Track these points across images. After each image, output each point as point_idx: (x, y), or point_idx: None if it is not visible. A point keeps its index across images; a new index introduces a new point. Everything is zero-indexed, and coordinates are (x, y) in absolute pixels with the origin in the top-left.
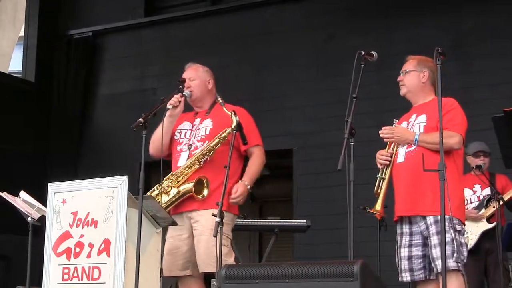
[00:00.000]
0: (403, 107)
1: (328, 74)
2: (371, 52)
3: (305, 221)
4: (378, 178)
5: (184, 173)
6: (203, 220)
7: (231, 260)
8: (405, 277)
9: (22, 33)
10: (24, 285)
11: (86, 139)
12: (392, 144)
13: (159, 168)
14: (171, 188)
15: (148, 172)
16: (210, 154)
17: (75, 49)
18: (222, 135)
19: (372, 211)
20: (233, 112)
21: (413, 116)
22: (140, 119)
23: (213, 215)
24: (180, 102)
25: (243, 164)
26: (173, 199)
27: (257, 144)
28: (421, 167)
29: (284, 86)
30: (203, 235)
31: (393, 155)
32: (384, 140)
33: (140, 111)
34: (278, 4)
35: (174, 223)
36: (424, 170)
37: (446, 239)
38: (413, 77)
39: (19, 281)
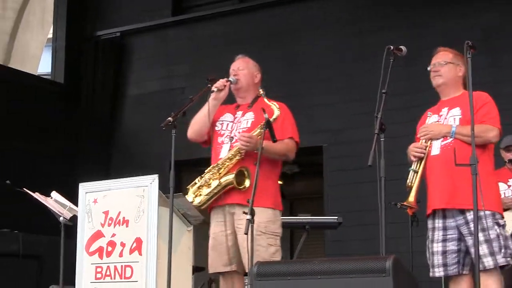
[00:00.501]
0: (433, 102)
1: (356, 70)
2: (400, 46)
3: (336, 217)
4: (410, 171)
5: (225, 165)
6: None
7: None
8: (438, 272)
9: (50, 35)
10: (57, 284)
11: (116, 139)
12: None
13: (189, 167)
14: (213, 180)
15: (178, 171)
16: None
17: (103, 50)
18: (263, 136)
19: (405, 203)
20: (262, 110)
21: (445, 110)
22: (169, 118)
23: (244, 212)
24: (225, 86)
25: (281, 163)
26: (215, 190)
27: (290, 136)
28: (459, 160)
29: (312, 83)
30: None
31: (427, 147)
32: (421, 138)
33: (169, 111)
34: (306, 1)
35: (205, 221)
36: (456, 164)
37: (492, 236)
38: (451, 69)
39: (52, 281)
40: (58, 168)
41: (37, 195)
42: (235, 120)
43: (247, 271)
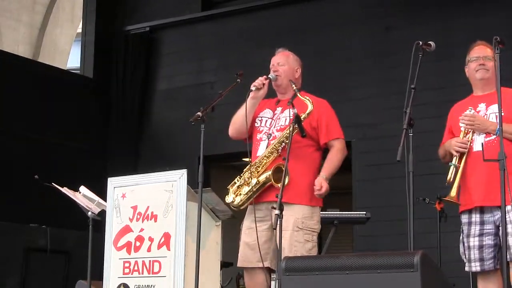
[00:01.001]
0: (462, 97)
1: (386, 66)
2: (429, 42)
3: (365, 212)
4: (451, 166)
5: (263, 163)
6: (288, 215)
7: None
8: (475, 266)
9: (79, 30)
10: (85, 279)
11: (145, 134)
12: (468, 134)
13: (217, 162)
14: (251, 178)
15: (206, 166)
16: (287, 141)
17: (132, 44)
18: (291, 132)
19: (447, 198)
20: (291, 104)
21: (482, 105)
22: (198, 113)
23: (272, 207)
24: (264, 84)
25: (319, 155)
26: (254, 189)
27: (337, 137)
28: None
29: (341, 79)
30: (287, 230)
31: (469, 143)
32: (463, 127)
33: (198, 106)
34: None
35: (233, 216)
36: (484, 160)
37: None
38: (493, 65)
39: (80, 275)
40: (87, 163)
41: (65, 190)
42: (274, 117)
43: None
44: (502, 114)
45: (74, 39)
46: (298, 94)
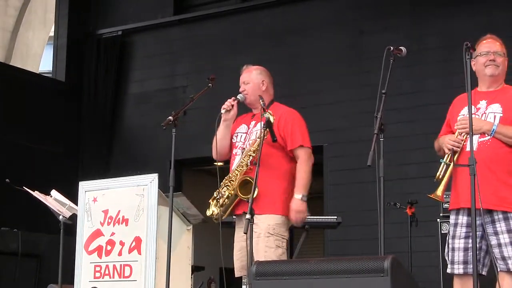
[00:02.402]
0: (434, 102)
1: (358, 70)
2: (400, 47)
3: (336, 217)
4: (442, 164)
5: (234, 175)
6: (260, 223)
7: None
8: (458, 269)
9: (52, 33)
10: (56, 283)
11: (117, 138)
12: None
13: (189, 166)
14: (227, 192)
15: (178, 170)
16: (253, 155)
17: (105, 48)
18: (262, 135)
19: (432, 196)
20: (262, 109)
21: (483, 102)
22: (169, 117)
23: (243, 213)
24: (233, 106)
25: (292, 165)
26: (228, 202)
27: (301, 144)
28: (494, 158)
29: (314, 83)
30: (260, 238)
31: (463, 142)
32: (459, 131)
33: (170, 110)
34: (307, 0)
35: (204, 221)
36: (454, 165)
37: None
38: (504, 62)
39: (51, 279)
40: (59, 167)
41: (36, 194)
42: (248, 131)
43: None
44: (502, 115)
45: (46, 43)
46: (264, 110)
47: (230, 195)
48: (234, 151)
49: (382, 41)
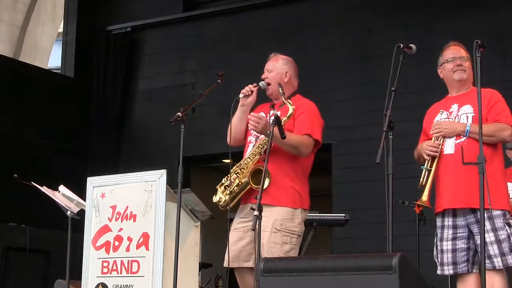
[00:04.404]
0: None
1: (367, 68)
2: (410, 45)
3: (344, 215)
4: (423, 170)
5: (246, 163)
6: (267, 217)
7: None
8: (447, 270)
9: (61, 29)
10: (64, 278)
11: (126, 134)
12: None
13: (198, 163)
14: (237, 179)
15: (187, 167)
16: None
17: (114, 44)
18: (271, 132)
19: (418, 202)
20: (271, 106)
21: (454, 106)
22: (178, 113)
23: (251, 209)
24: (252, 92)
25: (310, 162)
26: (237, 190)
27: (308, 133)
28: (472, 159)
29: (322, 80)
30: (266, 231)
31: (440, 146)
32: (434, 135)
33: (179, 106)
34: None
35: (212, 217)
36: (463, 163)
37: (502, 236)
38: (470, 66)
39: (58, 275)
40: (67, 162)
41: (44, 189)
42: None
43: None
44: (473, 115)
45: (55, 39)
46: (283, 98)
47: (240, 183)
48: (249, 138)
49: (390, 39)
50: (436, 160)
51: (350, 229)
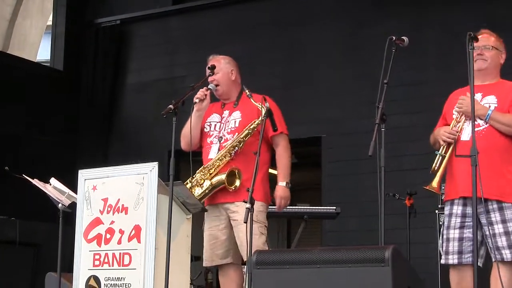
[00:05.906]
0: (435, 93)
1: (358, 61)
2: (402, 37)
3: (335, 208)
4: (437, 155)
5: (215, 165)
6: (240, 211)
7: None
8: (452, 259)
9: (50, 22)
10: (55, 271)
11: (116, 127)
12: (459, 122)
13: (188, 156)
14: (204, 180)
15: (177, 159)
16: (240, 145)
17: (103, 37)
18: (251, 126)
19: (427, 187)
20: (263, 99)
21: (478, 95)
22: (170, 106)
23: (244, 201)
24: (206, 95)
25: (271, 152)
26: (206, 191)
27: (282, 131)
28: (488, 148)
29: (312, 73)
30: (242, 225)
31: (458, 133)
32: (455, 114)
33: (169, 99)
34: None
35: (204, 210)
36: (455, 155)
37: (510, 229)
38: (496, 55)
39: (49, 268)
40: (57, 155)
41: (35, 182)
42: (222, 120)
43: (245, 259)
44: (496, 105)
45: (44, 31)
46: (252, 100)
47: (211, 184)
48: (209, 140)
49: (381, 32)
50: (451, 146)
51: (339, 222)
